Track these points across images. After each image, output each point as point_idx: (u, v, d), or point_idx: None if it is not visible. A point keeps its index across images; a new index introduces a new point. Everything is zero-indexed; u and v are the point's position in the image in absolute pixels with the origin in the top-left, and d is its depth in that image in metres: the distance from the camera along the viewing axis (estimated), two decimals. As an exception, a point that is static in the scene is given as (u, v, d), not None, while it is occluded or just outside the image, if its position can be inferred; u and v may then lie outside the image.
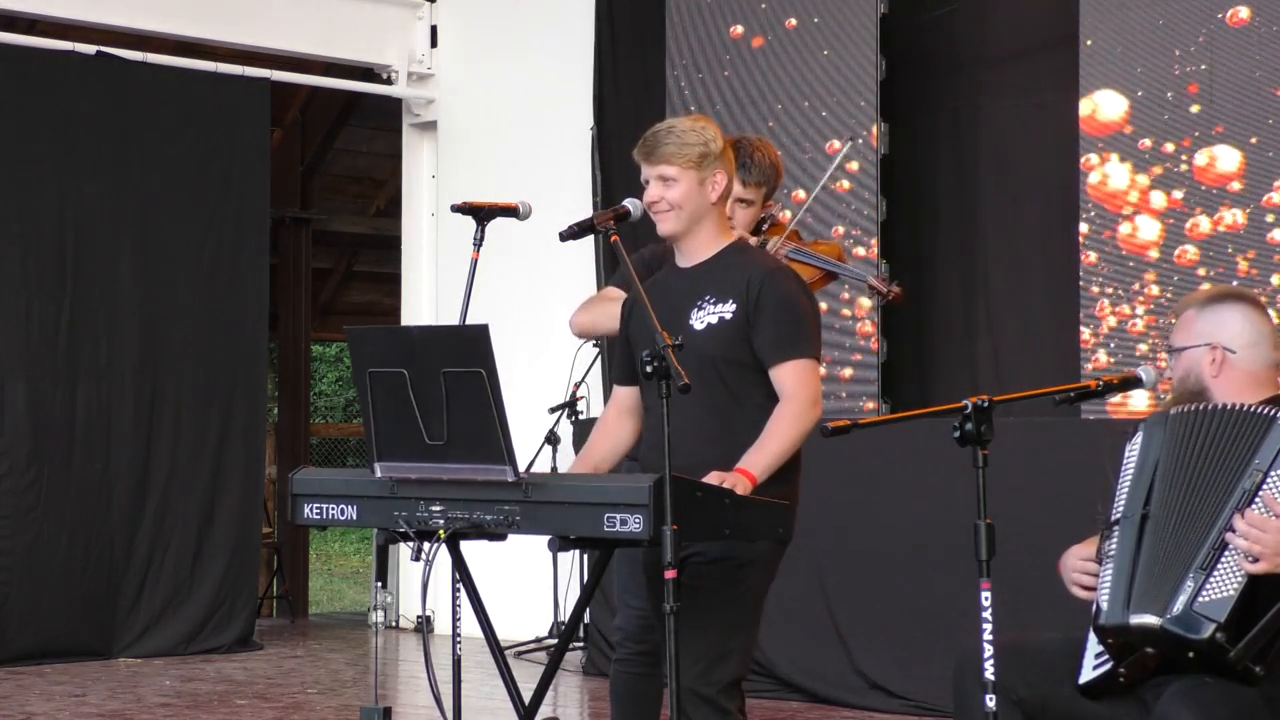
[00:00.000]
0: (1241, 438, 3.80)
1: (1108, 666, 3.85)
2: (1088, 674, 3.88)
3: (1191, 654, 3.71)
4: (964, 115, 8.48)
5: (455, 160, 10.47)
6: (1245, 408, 3.85)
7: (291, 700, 7.92)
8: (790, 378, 4.21)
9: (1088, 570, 3.95)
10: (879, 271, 5.17)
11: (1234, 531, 3.70)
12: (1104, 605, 3.82)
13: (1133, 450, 3.95)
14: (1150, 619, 3.74)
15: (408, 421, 4.01)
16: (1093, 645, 3.89)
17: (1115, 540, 3.86)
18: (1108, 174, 7.62)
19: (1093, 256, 7.64)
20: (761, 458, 4.10)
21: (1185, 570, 3.73)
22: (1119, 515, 3.88)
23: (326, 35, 10.25)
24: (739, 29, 8.83)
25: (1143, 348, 7.46)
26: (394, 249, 11.30)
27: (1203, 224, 7.40)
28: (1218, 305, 4.08)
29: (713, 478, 4.00)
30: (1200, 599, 3.70)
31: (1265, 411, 3.81)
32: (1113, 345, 7.57)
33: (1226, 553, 3.71)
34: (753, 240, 5.11)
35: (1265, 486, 3.72)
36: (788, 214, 5.53)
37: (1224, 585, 3.70)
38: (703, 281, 4.33)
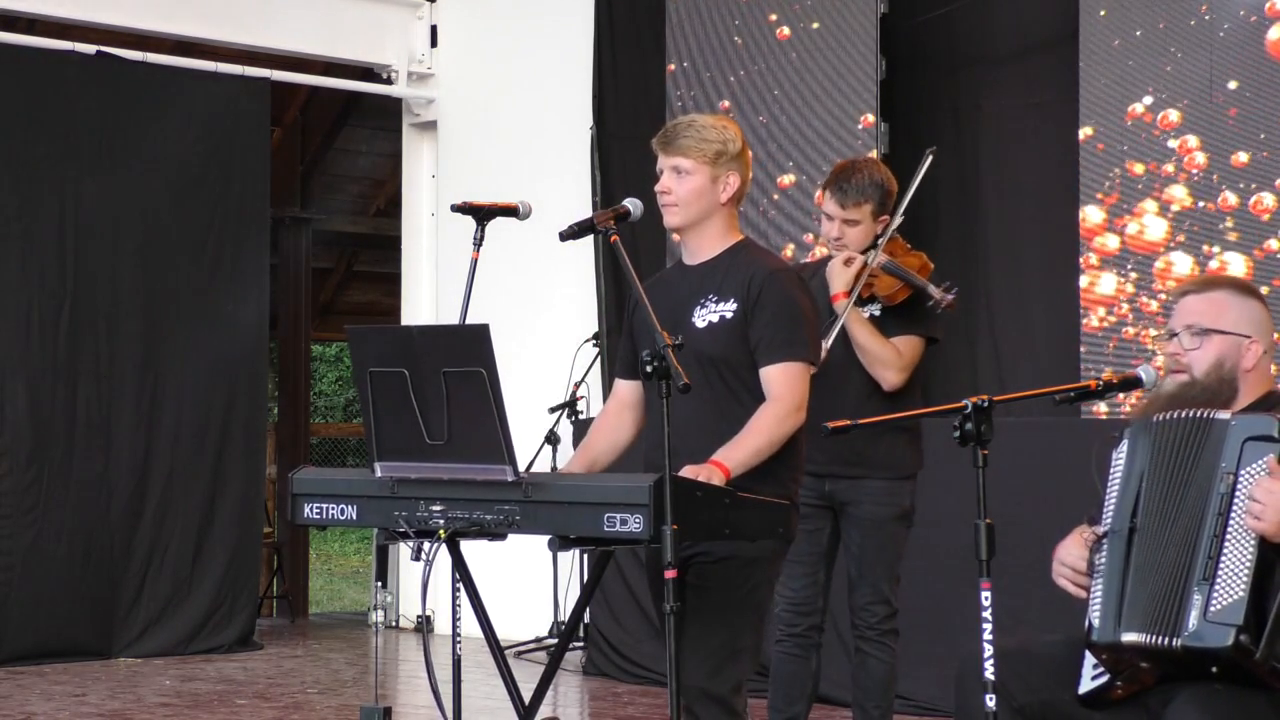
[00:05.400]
0: (1200, 441, 3.74)
1: (1104, 679, 3.84)
2: (1086, 685, 3.87)
3: (1215, 668, 3.65)
4: (964, 115, 8.47)
5: (455, 160, 10.47)
6: (1192, 413, 3.78)
7: (291, 700, 7.92)
8: (779, 379, 4.20)
9: (1077, 569, 3.91)
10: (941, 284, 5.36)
11: (1223, 538, 3.64)
12: (1095, 622, 3.79)
13: (1119, 458, 3.89)
14: (1142, 637, 3.70)
15: (408, 421, 4.01)
16: (1090, 657, 3.87)
17: (1104, 554, 3.82)
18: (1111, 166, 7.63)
19: (1093, 257, 7.63)
20: (737, 452, 4.08)
21: (1184, 586, 3.67)
22: (1107, 528, 3.83)
23: (326, 35, 10.25)
24: (739, 27, 8.82)
25: (1142, 353, 7.45)
26: (394, 249, 11.30)
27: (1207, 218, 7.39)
28: (1249, 297, 3.99)
29: (687, 471, 3.97)
30: (1212, 609, 3.63)
31: (1200, 415, 3.76)
32: (1113, 345, 7.56)
33: (1223, 558, 3.65)
34: (871, 253, 5.24)
35: (1239, 488, 3.66)
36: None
37: (1231, 590, 3.63)
38: (706, 280, 4.32)
